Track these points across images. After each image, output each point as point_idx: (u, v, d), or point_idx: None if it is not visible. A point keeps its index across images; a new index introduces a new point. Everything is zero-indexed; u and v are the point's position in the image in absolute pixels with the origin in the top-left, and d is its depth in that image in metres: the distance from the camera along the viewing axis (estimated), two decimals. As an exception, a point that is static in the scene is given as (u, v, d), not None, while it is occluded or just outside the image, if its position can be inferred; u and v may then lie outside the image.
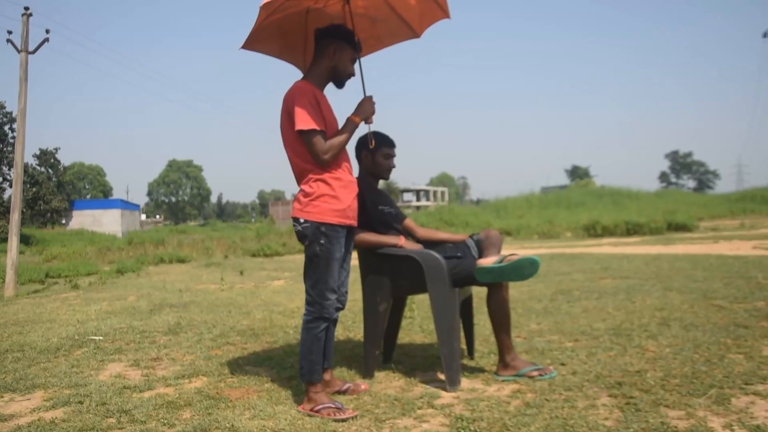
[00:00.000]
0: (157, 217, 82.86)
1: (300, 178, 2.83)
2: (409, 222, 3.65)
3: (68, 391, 3.29)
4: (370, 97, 2.95)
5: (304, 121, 2.68)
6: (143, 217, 68.48)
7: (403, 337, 4.35)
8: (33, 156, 34.28)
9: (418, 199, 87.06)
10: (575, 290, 6.27)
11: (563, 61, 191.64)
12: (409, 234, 3.67)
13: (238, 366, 3.71)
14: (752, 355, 3.38)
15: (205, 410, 2.85)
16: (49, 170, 34.41)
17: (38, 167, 33.79)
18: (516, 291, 6.50)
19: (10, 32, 13.42)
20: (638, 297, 5.54)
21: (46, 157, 34.14)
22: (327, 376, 3.03)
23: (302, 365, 2.83)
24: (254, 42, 3.02)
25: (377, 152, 3.40)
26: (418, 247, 3.27)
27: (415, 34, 3.52)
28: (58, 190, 34.60)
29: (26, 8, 13.47)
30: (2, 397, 3.27)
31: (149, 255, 18.57)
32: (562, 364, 3.38)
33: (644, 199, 27.14)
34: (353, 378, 3.33)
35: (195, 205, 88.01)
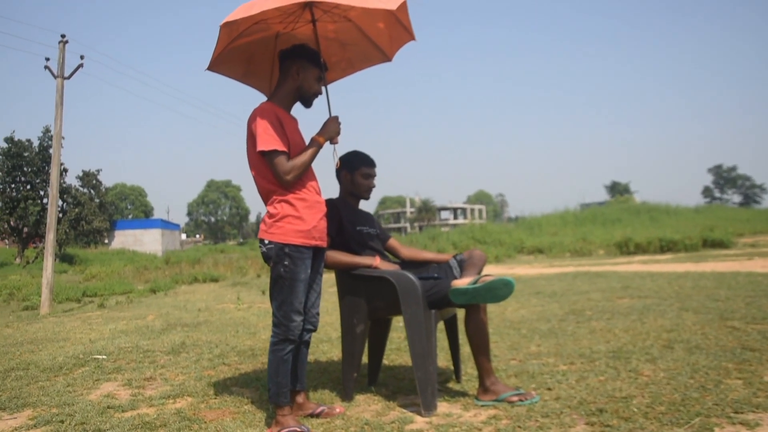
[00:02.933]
0: (197, 236, 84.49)
1: (266, 199, 2.84)
2: (393, 242, 3.63)
3: (55, 410, 3.34)
4: (336, 117, 2.95)
5: (265, 142, 2.69)
6: (183, 236, 69.93)
7: (396, 358, 4.30)
8: (76, 177, 35.45)
9: (455, 217, 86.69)
10: (588, 310, 6.10)
11: (605, 76, 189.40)
12: (393, 254, 3.64)
13: (225, 387, 3.72)
14: (752, 380, 3.21)
15: (177, 431, 2.85)
16: (92, 191, 35.48)
17: (81, 188, 34.89)
18: (527, 311, 6.38)
19: (47, 59, 13.97)
20: (650, 317, 5.36)
21: (88, 178, 35.23)
22: (300, 399, 3.01)
23: (270, 388, 2.81)
24: (219, 64, 3.07)
25: (356, 172, 3.39)
26: (394, 267, 3.23)
27: (387, 58, 3.53)
28: (100, 211, 35.59)
29: (62, 36, 14.01)
30: (-9, 415, 3.35)
31: (184, 274, 18.91)
32: (549, 389, 3.27)
33: (683, 215, 26.37)
34: (334, 400, 3.30)
35: (234, 225, 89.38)
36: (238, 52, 3.13)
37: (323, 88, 3.03)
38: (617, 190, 68.87)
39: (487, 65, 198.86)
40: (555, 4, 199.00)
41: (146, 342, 5.51)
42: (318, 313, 3.03)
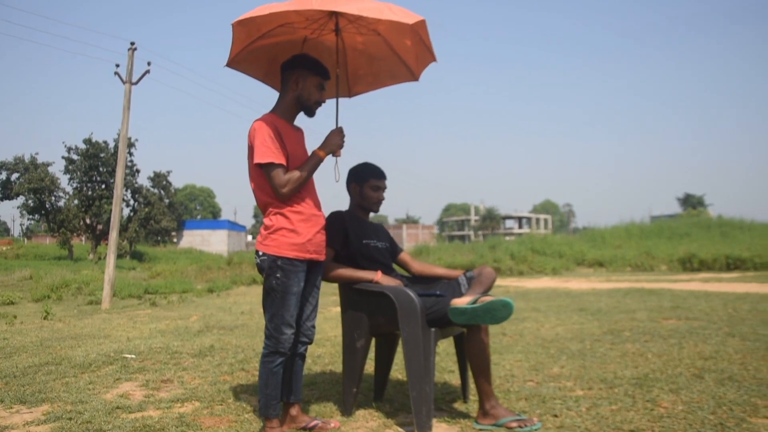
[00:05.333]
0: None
1: (264, 211, 2.85)
2: (404, 256, 3.57)
3: (69, 407, 3.46)
4: (340, 129, 2.93)
5: (262, 154, 2.70)
6: (249, 238, 71.74)
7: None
8: (147, 178, 37.04)
9: (520, 227, 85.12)
10: (627, 331, 5.82)
11: (682, 85, 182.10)
12: (404, 268, 3.58)
13: (234, 393, 3.75)
14: (780, 420, 2.97)
15: (171, 437, 2.90)
16: (161, 191, 36.96)
17: (151, 189, 36.39)
18: (564, 328, 6.15)
19: (117, 65, 14.65)
20: (691, 342, 5.05)
21: (159, 179, 36.74)
22: (294, 411, 3.00)
23: (259, 399, 2.81)
24: (240, 62, 3.14)
25: (365, 184, 3.36)
26: (396, 282, 3.17)
27: (414, 77, 3.49)
28: (169, 210, 37.03)
29: (132, 43, 14.66)
30: (11, 408, 3.51)
31: (244, 275, 19.38)
32: (555, 416, 3.13)
33: (759, 231, 24.72)
34: (334, 414, 3.27)
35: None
36: (262, 53, 3.19)
37: (336, 98, 3.03)
38: (690, 203, 65.52)
39: (556, 73, 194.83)
40: (632, 7, 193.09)
41: (177, 343, 5.65)
42: (314, 326, 3.01)
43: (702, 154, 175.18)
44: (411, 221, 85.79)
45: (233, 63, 3.13)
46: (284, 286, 2.73)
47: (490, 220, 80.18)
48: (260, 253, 2.77)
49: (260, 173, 2.78)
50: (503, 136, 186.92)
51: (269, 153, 2.71)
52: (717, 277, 13.85)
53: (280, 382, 2.81)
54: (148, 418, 3.23)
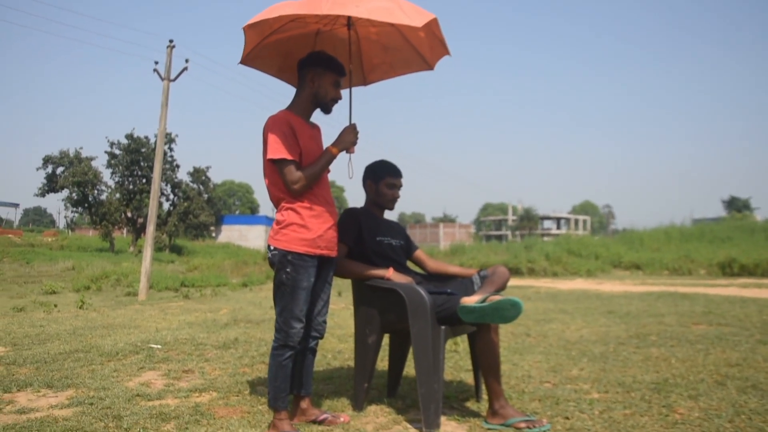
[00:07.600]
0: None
1: (276, 206, 2.89)
2: (419, 254, 3.58)
3: (92, 393, 3.58)
4: (353, 126, 2.96)
5: (274, 150, 2.75)
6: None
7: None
8: (187, 173, 37.80)
9: (558, 227, 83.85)
10: (654, 335, 5.71)
11: (728, 85, 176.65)
12: (419, 266, 3.60)
13: (251, 385, 3.82)
14: (802, 430, 2.88)
15: (185, 425, 2.98)
16: (201, 186, 37.66)
17: (191, 183, 37.10)
18: (589, 330, 6.07)
19: (156, 63, 14.98)
20: (718, 348, 4.92)
21: (198, 174, 37.44)
22: (304, 404, 3.04)
23: (269, 392, 2.86)
24: (254, 59, 3.19)
25: (381, 182, 3.38)
26: (407, 280, 3.18)
27: (429, 66, 3.51)
28: (207, 205, 37.71)
29: (170, 41, 14.98)
30: (39, 391, 3.65)
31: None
32: (566, 418, 3.10)
33: (807, 236, 23.96)
34: (346, 409, 3.30)
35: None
36: (274, 48, 3.24)
37: (350, 95, 3.09)
38: (735, 206, 63.44)
39: (598, 73, 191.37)
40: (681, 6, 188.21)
41: (203, 335, 5.77)
42: (325, 321, 3.05)
43: (749, 155, 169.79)
44: (448, 220, 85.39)
45: (247, 60, 3.19)
46: (294, 280, 2.77)
47: (528, 220, 79.21)
48: (272, 248, 2.83)
49: (273, 169, 2.83)
50: (542, 136, 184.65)
51: (281, 149, 2.75)
52: (758, 282, 13.42)
53: (289, 375, 2.86)
54: (165, 406, 3.32)
